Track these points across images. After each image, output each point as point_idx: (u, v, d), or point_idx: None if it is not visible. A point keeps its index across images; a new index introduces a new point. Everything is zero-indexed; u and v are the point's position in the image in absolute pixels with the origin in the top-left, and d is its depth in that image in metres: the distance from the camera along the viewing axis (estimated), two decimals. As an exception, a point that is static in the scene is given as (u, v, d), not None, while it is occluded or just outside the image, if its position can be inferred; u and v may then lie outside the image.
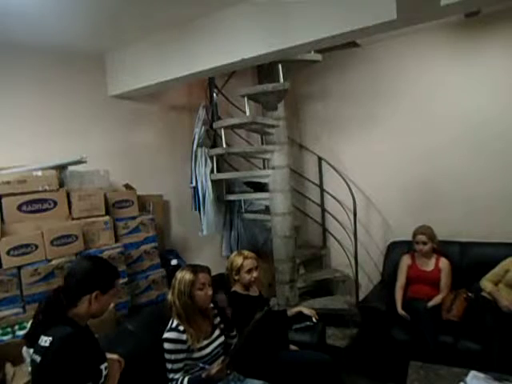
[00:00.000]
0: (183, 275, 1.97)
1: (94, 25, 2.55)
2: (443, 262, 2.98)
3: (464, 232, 3.21)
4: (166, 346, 1.88)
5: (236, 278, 2.40)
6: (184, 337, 1.89)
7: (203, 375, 1.85)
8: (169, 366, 1.88)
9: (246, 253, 2.42)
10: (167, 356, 1.88)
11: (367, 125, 3.72)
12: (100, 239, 2.65)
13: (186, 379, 1.85)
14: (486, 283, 2.72)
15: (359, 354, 3.04)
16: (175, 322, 1.93)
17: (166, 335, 1.90)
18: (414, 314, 2.77)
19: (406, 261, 3.09)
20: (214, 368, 1.84)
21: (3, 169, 2.43)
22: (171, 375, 1.88)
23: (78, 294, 1.47)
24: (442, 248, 3.07)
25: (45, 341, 1.34)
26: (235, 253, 2.48)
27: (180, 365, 1.89)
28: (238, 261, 2.38)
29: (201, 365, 1.94)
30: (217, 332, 2.07)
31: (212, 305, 2.15)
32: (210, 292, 2.00)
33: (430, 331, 2.63)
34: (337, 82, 3.84)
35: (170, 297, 2.00)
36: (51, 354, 1.32)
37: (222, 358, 1.99)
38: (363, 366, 2.94)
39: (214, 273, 2.13)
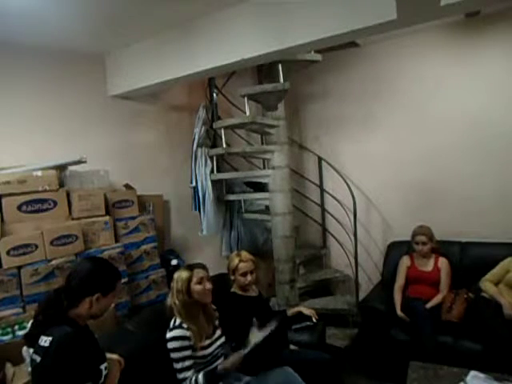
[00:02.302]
0: (180, 274, 1.99)
1: (94, 25, 2.55)
2: (442, 262, 2.98)
3: (464, 232, 3.20)
4: (173, 344, 1.86)
5: (232, 278, 2.40)
6: (188, 333, 1.88)
7: (219, 367, 1.84)
8: (178, 365, 1.85)
9: (243, 255, 2.38)
10: (175, 355, 1.86)
11: (367, 125, 3.72)
12: (100, 239, 2.65)
13: (200, 375, 1.82)
14: (488, 285, 2.71)
15: (359, 354, 3.04)
16: (178, 320, 1.93)
17: (171, 334, 1.89)
18: (414, 315, 2.76)
19: (405, 262, 3.08)
20: (230, 360, 1.83)
21: (3, 169, 2.43)
22: (182, 374, 1.85)
23: (79, 295, 1.48)
24: (442, 248, 3.07)
25: (45, 341, 1.34)
26: (234, 253, 2.47)
27: (190, 362, 1.87)
28: (234, 262, 2.36)
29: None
30: (218, 332, 2.07)
31: (214, 306, 2.16)
32: (208, 286, 2.00)
33: (429, 332, 2.62)
34: (337, 81, 3.84)
35: (169, 300, 1.99)
36: (51, 353, 1.32)
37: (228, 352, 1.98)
38: (363, 366, 2.94)
39: (213, 273, 2.14)
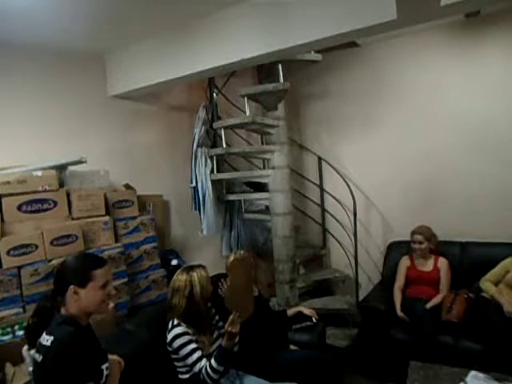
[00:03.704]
0: (199, 273, 1.99)
1: (95, 25, 2.55)
2: (441, 262, 2.98)
3: (464, 232, 3.21)
4: (178, 341, 1.87)
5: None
6: (189, 330, 1.90)
7: (222, 343, 1.83)
8: (189, 360, 1.86)
9: (238, 254, 2.37)
10: (183, 352, 1.87)
11: (367, 125, 3.72)
12: (100, 239, 2.65)
13: (212, 361, 1.82)
14: (488, 285, 2.71)
15: (359, 354, 3.04)
16: (176, 321, 1.93)
17: (173, 333, 1.89)
18: (413, 315, 2.77)
19: (404, 262, 3.09)
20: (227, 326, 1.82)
21: (3, 169, 2.43)
22: (196, 367, 1.85)
23: (61, 292, 1.47)
24: (442, 248, 3.07)
25: (46, 340, 1.34)
26: (233, 252, 2.47)
27: (199, 352, 1.87)
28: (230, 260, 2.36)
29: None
30: (216, 333, 2.07)
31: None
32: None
33: (430, 333, 2.62)
34: (337, 81, 3.84)
35: (179, 300, 1.94)
36: (53, 352, 1.32)
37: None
38: (363, 366, 2.94)
39: (213, 273, 2.14)
